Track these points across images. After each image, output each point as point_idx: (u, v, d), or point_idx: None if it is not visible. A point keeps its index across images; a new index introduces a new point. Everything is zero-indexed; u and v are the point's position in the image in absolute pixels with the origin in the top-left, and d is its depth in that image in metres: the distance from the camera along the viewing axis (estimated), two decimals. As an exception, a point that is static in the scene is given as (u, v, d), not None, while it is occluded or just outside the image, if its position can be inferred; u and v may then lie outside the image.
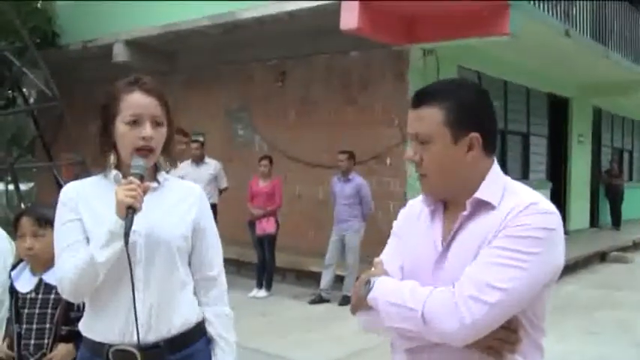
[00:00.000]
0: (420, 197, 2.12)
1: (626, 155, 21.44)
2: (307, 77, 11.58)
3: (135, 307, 2.19)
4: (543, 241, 1.80)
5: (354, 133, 10.68)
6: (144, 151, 2.29)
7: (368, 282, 1.97)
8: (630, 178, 20.97)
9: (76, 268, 2.22)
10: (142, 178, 2.23)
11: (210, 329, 2.48)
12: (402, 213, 2.22)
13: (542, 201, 1.87)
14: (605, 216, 18.72)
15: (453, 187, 1.96)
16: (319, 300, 9.27)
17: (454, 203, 1.99)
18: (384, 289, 1.92)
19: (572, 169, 16.63)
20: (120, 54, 12.36)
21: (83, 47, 13.04)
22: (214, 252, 2.53)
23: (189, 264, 2.48)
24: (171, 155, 2.48)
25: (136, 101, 2.30)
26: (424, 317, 1.78)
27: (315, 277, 9.73)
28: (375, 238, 9.74)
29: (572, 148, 16.63)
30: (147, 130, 2.28)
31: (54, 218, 2.37)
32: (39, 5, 12.87)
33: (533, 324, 1.90)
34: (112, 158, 2.39)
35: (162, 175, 2.46)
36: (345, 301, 9.08)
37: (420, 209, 2.11)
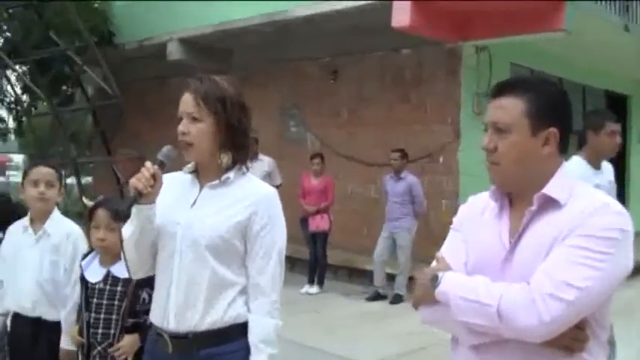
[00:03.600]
0: (483, 193, 2.15)
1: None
2: (359, 75, 11.54)
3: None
4: (618, 242, 1.81)
5: (407, 131, 10.63)
6: (183, 145, 2.43)
7: (435, 276, 1.98)
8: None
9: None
10: (161, 165, 2.38)
11: (250, 336, 2.43)
12: (464, 208, 2.23)
13: (614, 202, 1.88)
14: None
15: (522, 179, 1.97)
16: (376, 297, 9.27)
17: (520, 198, 2.00)
18: (455, 284, 1.93)
19: (632, 169, 16.23)
20: (174, 52, 12.49)
21: (138, 46, 13.22)
22: (267, 260, 2.46)
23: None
24: (237, 154, 2.50)
25: (182, 100, 2.46)
26: (500, 313, 1.79)
27: (367, 275, 9.72)
28: (427, 237, 9.75)
29: (631, 146, 16.22)
30: (180, 125, 2.43)
31: (127, 213, 2.43)
32: (96, 5, 13.04)
33: (599, 323, 1.91)
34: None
35: (228, 174, 2.48)
36: (396, 299, 9.04)
37: (483, 205, 2.13)
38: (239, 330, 2.44)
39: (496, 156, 1.97)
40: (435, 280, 1.97)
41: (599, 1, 10.11)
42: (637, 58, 13.02)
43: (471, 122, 10.32)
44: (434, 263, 2.11)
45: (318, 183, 9.76)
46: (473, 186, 10.41)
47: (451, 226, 2.23)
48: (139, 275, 2.60)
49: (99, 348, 3.25)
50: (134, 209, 2.34)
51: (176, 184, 2.53)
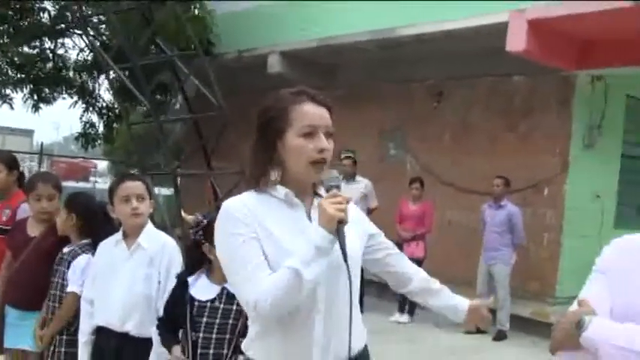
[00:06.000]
0: (637, 236, 2.00)
1: None
2: (466, 100, 11.16)
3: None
4: None
5: (511, 161, 10.20)
6: (319, 163, 2.19)
7: (581, 321, 1.85)
8: None
9: (277, 288, 2.06)
10: (338, 190, 2.15)
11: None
12: (612, 249, 2.06)
13: None
14: None
15: None
16: (476, 330, 8.89)
17: None
18: (605, 331, 1.81)
19: None
20: (275, 65, 12.36)
21: (237, 57, 13.13)
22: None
23: None
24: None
25: (311, 112, 2.23)
26: None
27: (461, 307, 9.34)
28: (527, 272, 9.31)
29: None
30: (323, 141, 2.19)
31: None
32: (197, 13, 12.87)
33: None
34: (276, 174, 2.27)
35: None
36: (499, 336, 8.68)
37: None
38: (367, 350, 2.44)
39: None
40: (580, 325, 1.85)
41: None
42: None
43: (580, 155, 9.86)
44: (574, 306, 1.98)
45: (416, 208, 9.52)
46: (578, 221, 9.89)
47: (594, 267, 2.07)
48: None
49: None
50: (329, 244, 2.07)
51: (267, 211, 2.23)
